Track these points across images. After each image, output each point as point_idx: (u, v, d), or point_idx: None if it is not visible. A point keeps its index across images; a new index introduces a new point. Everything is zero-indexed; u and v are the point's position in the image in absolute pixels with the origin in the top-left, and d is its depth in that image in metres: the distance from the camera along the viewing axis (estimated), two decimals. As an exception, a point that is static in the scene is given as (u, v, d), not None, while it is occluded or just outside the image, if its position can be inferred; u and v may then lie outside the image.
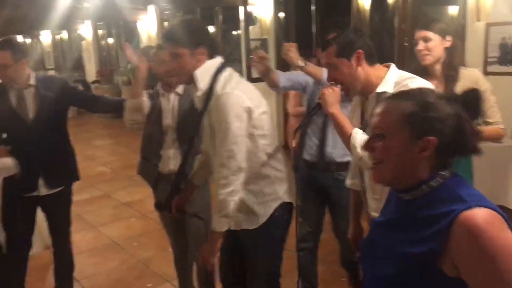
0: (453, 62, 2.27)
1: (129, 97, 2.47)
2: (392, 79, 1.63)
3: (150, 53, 2.58)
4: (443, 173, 1.07)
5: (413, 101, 1.07)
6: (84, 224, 4.23)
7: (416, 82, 1.58)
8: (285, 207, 1.93)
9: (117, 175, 6.02)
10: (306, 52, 3.22)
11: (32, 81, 2.49)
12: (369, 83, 1.64)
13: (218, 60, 1.85)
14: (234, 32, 7.66)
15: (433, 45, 2.24)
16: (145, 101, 2.43)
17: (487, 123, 2.16)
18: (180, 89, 2.49)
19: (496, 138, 2.30)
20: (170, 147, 2.46)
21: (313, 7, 6.08)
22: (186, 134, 2.27)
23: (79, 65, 12.47)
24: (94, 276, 3.35)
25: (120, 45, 10.88)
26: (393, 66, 1.69)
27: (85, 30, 11.51)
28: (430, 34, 2.23)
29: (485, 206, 0.98)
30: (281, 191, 1.91)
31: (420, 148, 1.05)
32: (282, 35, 6.16)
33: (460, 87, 2.14)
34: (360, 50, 1.62)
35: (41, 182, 2.53)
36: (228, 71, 1.85)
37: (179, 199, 2.12)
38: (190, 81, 1.85)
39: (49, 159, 2.52)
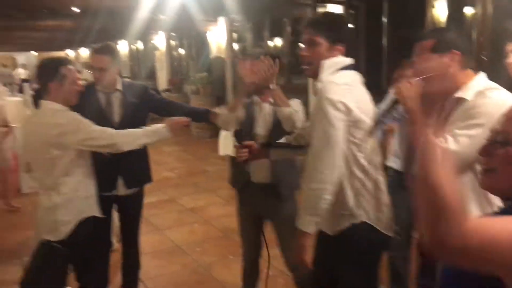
0: None
1: (227, 110, 2.46)
2: (476, 87, 1.56)
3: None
4: None
5: None
6: (150, 226, 4.39)
7: (496, 92, 1.52)
8: (367, 228, 1.76)
9: (182, 181, 6.21)
10: (376, 68, 3.10)
11: (119, 87, 2.64)
12: (450, 86, 1.58)
13: (348, 60, 1.81)
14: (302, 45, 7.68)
15: None
16: (240, 114, 2.43)
17: None
18: None
19: None
20: None
21: (384, 19, 5.93)
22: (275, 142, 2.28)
23: (152, 74, 13.09)
24: (158, 277, 3.46)
25: (190, 55, 11.28)
26: (481, 75, 1.62)
27: (159, 40, 12.08)
28: None
29: None
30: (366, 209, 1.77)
31: None
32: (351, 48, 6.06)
33: None
34: (457, 52, 1.57)
35: (120, 182, 2.65)
36: (352, 72, 1.79)
37: None
38: (316, 74, 1.79)
39: (129, 160, 2.61)
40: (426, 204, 0.90)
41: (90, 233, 2.25)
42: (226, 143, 5.73)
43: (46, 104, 2.19)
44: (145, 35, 11.73)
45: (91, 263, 2.35)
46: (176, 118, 2.45)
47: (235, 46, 9.19)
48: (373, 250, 1.81)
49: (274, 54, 2.36)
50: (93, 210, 2.33)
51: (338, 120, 1.63)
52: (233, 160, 2.57)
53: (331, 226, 1.79)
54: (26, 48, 19.98)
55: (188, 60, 11.44)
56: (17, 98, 7.15)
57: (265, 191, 2.44)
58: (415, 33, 1.83)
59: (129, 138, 2.31)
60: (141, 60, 14.71)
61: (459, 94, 1.56)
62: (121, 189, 2.67)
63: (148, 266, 3.48)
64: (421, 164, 0.93)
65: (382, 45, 5.97)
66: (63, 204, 2.20)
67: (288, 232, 2.34)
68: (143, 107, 2.70)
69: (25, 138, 2.32)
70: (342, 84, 1.69)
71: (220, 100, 8.61)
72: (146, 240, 3.98)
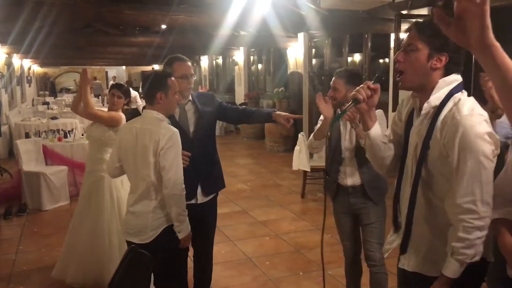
0: None
1: (313, 138, 2.72)
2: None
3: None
4: None
5: None
6: (222, 237, 4.45)
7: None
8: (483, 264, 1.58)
9: (255, 193, 6.26)
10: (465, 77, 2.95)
11: (191, 98, 2.75)
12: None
13: (459, 78, 1.61)
14: (381, 60, 7.48)
15: None
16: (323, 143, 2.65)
17: None
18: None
19: None
20: (347, 165, 2.67)
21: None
22: (363, 153, 2.28)
23: (230, 88, 13.47)
24: (228, 288, 3.49)
25: (268, 70, 11.45)
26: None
27: (239, 56, 12.41)
28: None
29: None
30: None
31: None
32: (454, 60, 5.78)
33: None
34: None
35: (199, 190, 2.72)
36: (465, 93, 1.59)
37: None
38: (417, 86, 1.63)
39: (206, 168, 2.72)
40: None
41: (173, 240, 2.31)
42: (300, 158, 5.70)
43: (151, 113, 2.32)
44: (226, 51, 12.11)
45: (171, 270, 2.39)
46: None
47: (313, 61, 9.18)
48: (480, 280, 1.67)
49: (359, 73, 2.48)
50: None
51: (490, 157, 1.45)
52: (324, 171, 2.92)
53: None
54: (117, 63, 21.47)
55: (266, 75, 11.62)
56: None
57: (355, 193, 2.68)
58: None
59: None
60: (220, 75, 15.21)
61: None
62: (200, 197, 2.73)
63: (219, 276, 3.52)
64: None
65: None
66: (154, 210, 2.29)
67: (375, 232, 2.65)
68: (213, 114, 2.81)
69: (126, 143, 2.36)
70: (482, 114, 1.50)
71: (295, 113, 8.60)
72: (218, 250, 4.03)
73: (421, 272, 1.62)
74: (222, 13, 6.51)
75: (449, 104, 1.53)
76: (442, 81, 1.58)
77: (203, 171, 2.71)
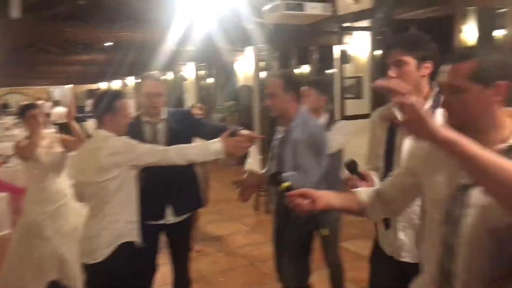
0: None
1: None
2: None
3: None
4: None
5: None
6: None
7: None
8: None
9: (207, 208, 6.12)
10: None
11: (163, 116, 2.67)
12: (497, 129, 1.24)
13: None
14: (328, 71, 7.67)
15: None
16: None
17: None
18: None
19: None
20: None
21: (411, 44, 5.88)
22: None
23: (180, 104, 13.34)
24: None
25: (218, 84, 11.46)
26: None
27: (188, 71, 12.36)
28: None
29: None
30: None
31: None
32: (378, 73, 6.02)
33: None
34: (505, 83, 1.20)
35: (169, 210, 2.63)
36: None
37: None
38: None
39: (177, 188, 2.63)
40: None
41: (129, 259, 2.25)
42: (252, 163, 5.69)
43: (100, 132, 2.29)
44: (174, 66, 12.03)
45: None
46: (236, 138, 2.39)
47: (262, 74, 9.28)
48: None
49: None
50: (133, 235, 2.32)
51: None
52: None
53: None
54: (61, 82, 20.81)
55: (216, 89, 11.62)
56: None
57: None
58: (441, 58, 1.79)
59: (179, 153, 2.32)
60: (170, 91, 15.02)
61: None
62: (170, 218, 2.64)
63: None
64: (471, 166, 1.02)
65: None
66: (105, 227, 2.22)
67: (332, 233, 2.78)
68: (187, 133, 2.71)
69: (79, 166, 2.38)
70: None
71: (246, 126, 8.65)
72: (168, 270, 3.94)
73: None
74: (166, 28, 6.48)
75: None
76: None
77: (174, 189, 2.62)
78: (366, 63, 6.18)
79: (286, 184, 1.58)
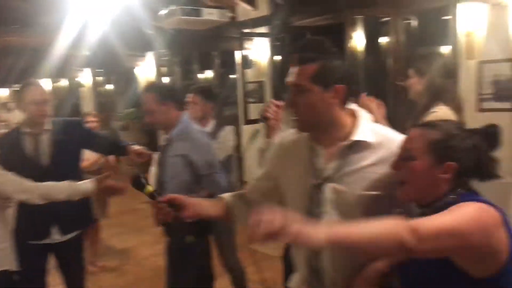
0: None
1: None
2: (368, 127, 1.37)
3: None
4: (459, 189, 1.22)
5: (439, 131, 1.22)
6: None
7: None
8: None
9: (110, 221, 5.86)
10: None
11: (48, 126, 2.46)
12: (334, 127, 1.34)
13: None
14: (231, 76, 7.77)
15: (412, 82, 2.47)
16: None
17: None
18: None
19: None
20: None
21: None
22: None
23: (76, 111, 12.57)
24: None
25: (118, 91, 11.02)
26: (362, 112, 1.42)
27: (84, 77, 11.71)
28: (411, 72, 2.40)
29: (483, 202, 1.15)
30: None
31: (441, 171, 1.20)
32: (277, 77, 6.22)
33: None
34: (342, 86, 1.30)
35: (54, 229, 2.44)
36: None
37: None
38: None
39: (63, 205, 2.38)
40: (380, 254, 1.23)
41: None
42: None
43: None
44: (69, 72, 11.32)
45: None
46: (111, 182, 2.24)
47: (164, 80, 9.11)
48: None
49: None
50: (6, 263, 2.09)
51: None
52: None
53: None
54: None
55: (116, 95, 11.16)
56: None
57: None
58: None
59: (43, 193, 2.11)
60: (64, 98, 14.12)
61: (358, 137, 1.33)
62: (56, 236, 2.45)
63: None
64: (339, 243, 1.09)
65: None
66: None
67: (226, 239, 2.82)
68: (76, 145, 2.54)
69: None
70: None
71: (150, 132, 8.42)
72: None
73: None
74: (58, 33, 6.07)
75: None
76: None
77: (60, 207, 2.40)
78: (266, 68, 6.36)
79: (149, 188, 1.53)
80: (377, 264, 1.29)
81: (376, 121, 2.24)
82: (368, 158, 1.31)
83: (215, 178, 2.37)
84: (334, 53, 1.36)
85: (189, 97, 2.78)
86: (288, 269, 2.18)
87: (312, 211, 1.33)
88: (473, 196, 1.22)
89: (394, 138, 1.35)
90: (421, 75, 2.41)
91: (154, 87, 2.45)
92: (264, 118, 1.86)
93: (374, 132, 1.34)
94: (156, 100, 2.33)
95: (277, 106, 1.94)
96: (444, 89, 2.40)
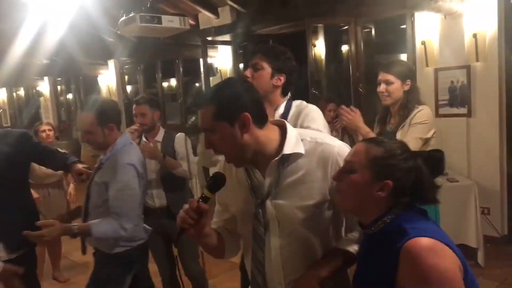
0: (408, 104, 2.43)
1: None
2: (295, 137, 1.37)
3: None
4: (395, 209, 1.21)
5: (383, 148, 1.23)
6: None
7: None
8: None
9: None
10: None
11: None
12: (262, 148, 1.33)
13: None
14: (197, 84, 7.73)
15: (393, 88, 2.36)
16: None
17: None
18: None
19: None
20: (154, 187, 2.87)
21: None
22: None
23: (36, 121, 12.16)
24: None
25: (79, 100, 10.75)
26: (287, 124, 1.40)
27: (44, 86, 11.35)
28: (391, 77, 2.37)
29: (426, 236, 1.11)
30: None
31: (378, 188, 1.20)
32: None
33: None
34: (247, 114, 1.26)
35: (1, 246, 2.31)
36: None
37: None
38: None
39: (8, 220, 2.30)
40: None
41: None
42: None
43: None
44: (27, 81, 10.97)
45: None
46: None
47: (127, 88, 8.97)
48: None
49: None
50: None
51: None
52: None
53: None
54: None
55: (77, 105, 10.88)
56: None
57: (164, 214, 2.84)
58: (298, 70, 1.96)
59: None
60: (23, 108, 13.64)
61: (286, 150, 1.33)
62: (2, 254, 2.32)
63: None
64: None
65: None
66: None
67: (188, 245, 2.77)
68: (21, 156, 2.40)
69: None
70: None
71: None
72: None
73: None
74: (14, 40, 5.87)
75: None
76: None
77: (7, 223, 2.30)
78: (231, 75, 6.37)
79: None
80: (319, 271, 1.32)
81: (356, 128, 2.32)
82: (302, 168, 1.33)
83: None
84: (231, 85, 1.33)
85: (137, 108, 2.79)
86: (246, 278, 2.16)
87: (258, 229, 1.36)
88: (413, 217, 1.20)
89: (323, 141, 1.37)
90: (403, 79, 2.42)
91: (94, 107, 2.24)
92: (181, 232, 1.55)
93: (304, 140, 1.36)
94: (94, 121, 2.18)
95: (200, 211, 1.82)
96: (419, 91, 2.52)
